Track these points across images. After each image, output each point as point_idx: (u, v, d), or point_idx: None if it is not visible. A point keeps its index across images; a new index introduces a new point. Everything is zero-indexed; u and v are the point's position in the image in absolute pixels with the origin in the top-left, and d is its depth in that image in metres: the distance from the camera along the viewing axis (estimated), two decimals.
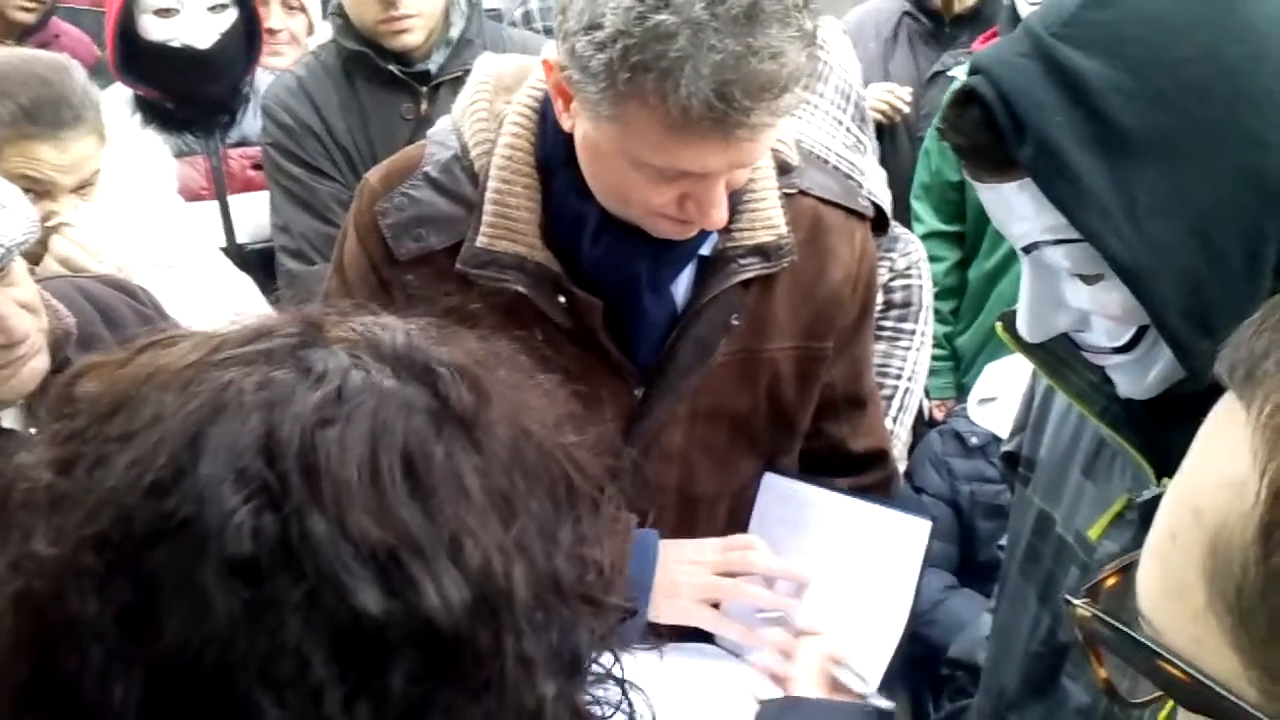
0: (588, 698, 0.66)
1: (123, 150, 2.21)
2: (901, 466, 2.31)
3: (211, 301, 2.24)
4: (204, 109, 2.66)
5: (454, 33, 2.53)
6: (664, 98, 1.19)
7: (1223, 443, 0.52)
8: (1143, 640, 0.54)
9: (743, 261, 1.47)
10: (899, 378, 2.32)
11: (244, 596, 0.56)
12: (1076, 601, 0.59)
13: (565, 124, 1.36)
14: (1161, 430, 1.13)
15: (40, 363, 1.47)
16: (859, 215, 1.59)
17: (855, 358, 1.67)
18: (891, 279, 2.32)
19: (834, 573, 1.54)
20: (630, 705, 0.68)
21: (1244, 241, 1.00)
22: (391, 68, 2.48)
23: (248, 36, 2.67)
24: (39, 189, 1.90)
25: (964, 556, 2.63)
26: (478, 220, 1.43)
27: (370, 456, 0.59)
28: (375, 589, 0.57)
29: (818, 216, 1.54)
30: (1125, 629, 0.56)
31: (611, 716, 0.67)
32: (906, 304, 2.33)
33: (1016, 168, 1.05)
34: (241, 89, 2.70)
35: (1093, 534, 1.21)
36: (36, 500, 0.60)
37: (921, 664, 2.38)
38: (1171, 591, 0.53)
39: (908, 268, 2.34)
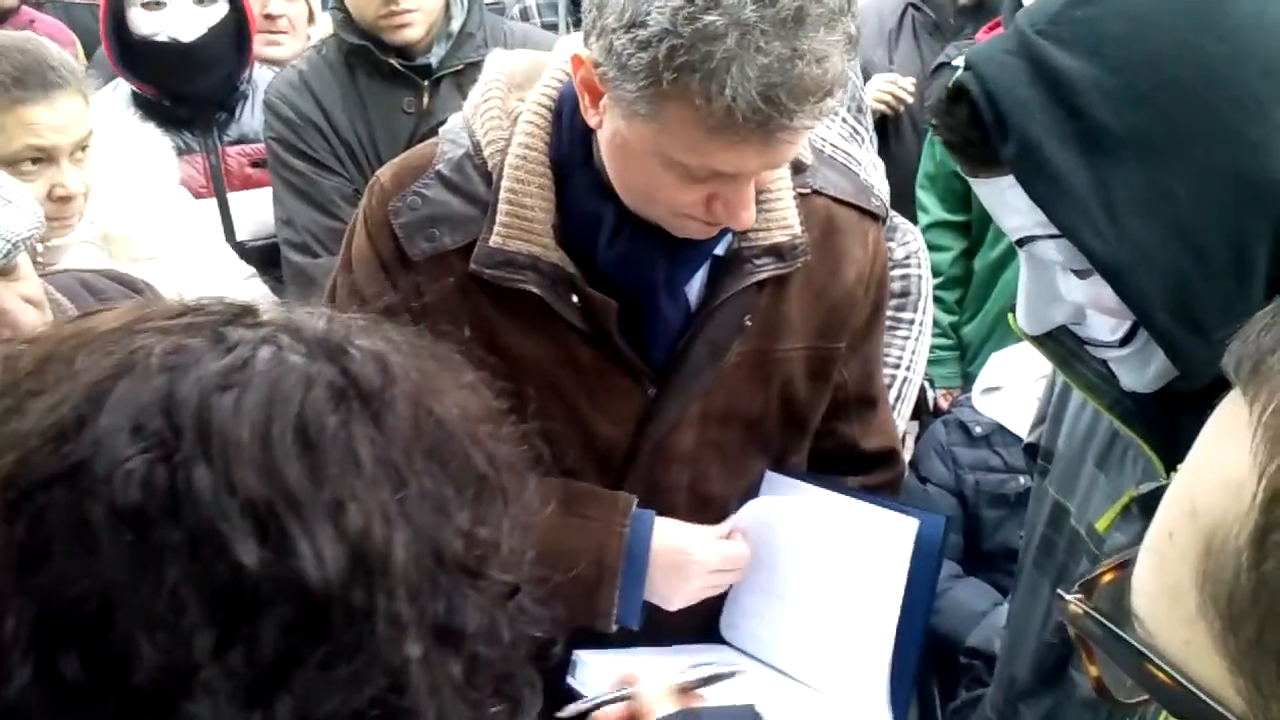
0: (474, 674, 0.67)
1: (126, 145, 2.22)
2: (905, 456, 2.33)
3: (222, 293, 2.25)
4: (197, 105, 2.65)
5: (454, 26, 2.54)
6: (709, 99, 1.17)
7: (1224, 441, 0.51)
8: (1131, 641, 0.53)
9: (758, 262, 1.46)
10: (896, 367, 2.31)
11: (129, 540, 0.59)
12: (1069, 597, 0.58)
13: (591, 121, 1.34)
14: (1171, 423, 1.13)
15: None
16: (872, 215, 1.59)
17: (867, 358, 1.67)
18: (889, 269, 2.31)
19: (820, 571, 1.54)
20: (515, 690, 0.70)
21: (1227, 239, 1.00)
22: (392, 61, 2.48)
23: (238, 32, 2.66)
24: (43, 155, 1.93)
25: (969, 545, 2.62)
26: (491, 220, 1.42)
27: (264, 420, 0.62)
28: (252, 542, 0.60)
29: (831, 216, 1.54)
30: (1114, 629, 0.54)
31: (490, 698, 0.68)
32: (905, 293, 2.32)
33: (1005, 164, 1.05)
34: (237, 85, 2.69)
35: (1100, 526, 1.21)
36: None
37: (927, 651, 2.38)
38: (1166, 592, 0.52)
39: (906, 257, 2.33)
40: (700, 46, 1.16)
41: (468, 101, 1.53)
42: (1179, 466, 1.04)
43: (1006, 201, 1.08)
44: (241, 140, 2.67)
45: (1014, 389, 2.59)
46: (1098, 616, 0.56)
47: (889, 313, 2.26)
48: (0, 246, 1.37)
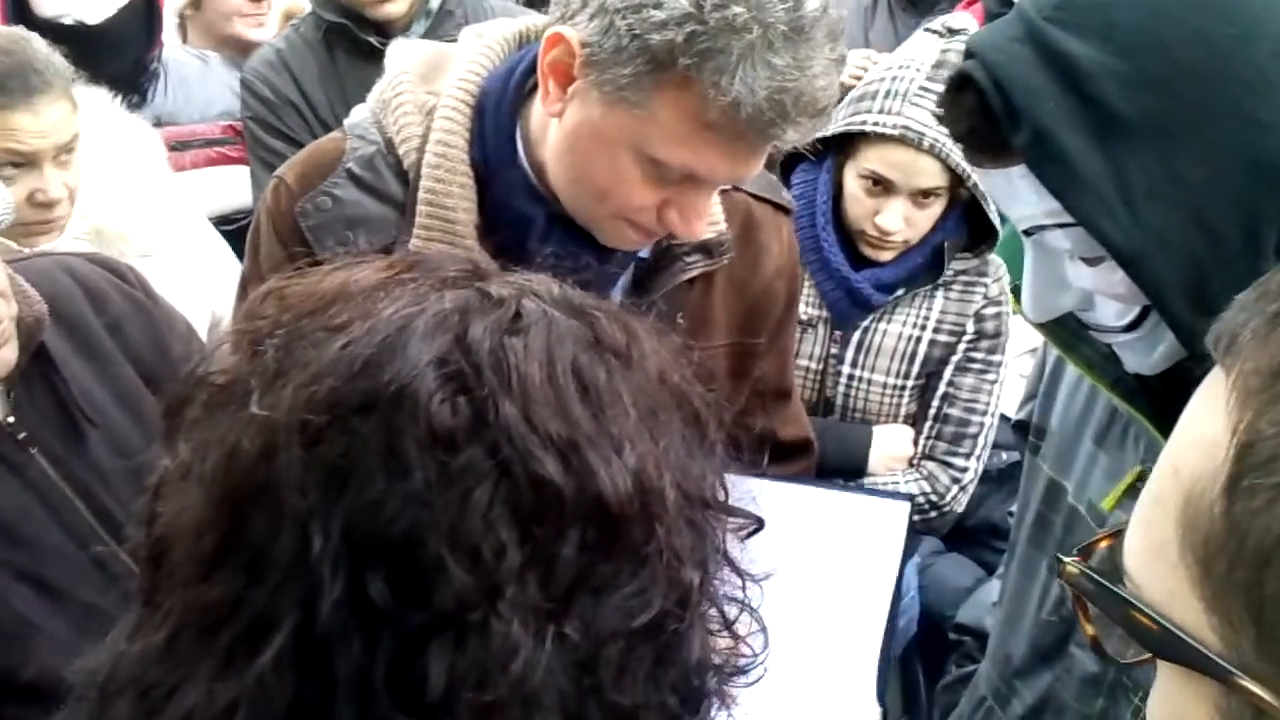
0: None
1: (115, 138, 2.19)
2: (964, 499, 2.26)
3: (209, 280, 2.23)
4: (106, 88, 2.58)
5: (434, 3, 2.53)
6: (719, 91, 1.15)
7: (1203, 409, 0.55)
8: (1119, 593, 0.58)
9: (688, 259, 1.45)
10: (985, 413, 2.24)
11: (441, 462, 0.64)
12: (1068, 560, 0.63)
13: (551, 107, 1.28)
14: (1173, 401, 1.12)
15: (8, 353, 1.42)
16: (785, 210, 1.59)
17: (782, 350, 1.68)
18: (984, 306, 2.23)
19: (814, 565, 1.53)
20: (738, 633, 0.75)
21: (1241, 223, 1.00)
22: (371, 40, 2.46)
23: (148, 12, 2.61)
24: (23, 160, 1.89)
25: None
26: (410, 221, 1.36)
27: (549, 363, 0.68)
28: (559, 466, 0.65)
29: (749, 212, 1.53)
30: (1105, 582, 0.59)
31: (736, 621, 0.75)
32: (997, 334, 2.24)
33: (1014, 153, 1.04)
34: (148, 66, 2.63)
35: (1106, 505, 1.22)
36: (262, 370, 0.69)
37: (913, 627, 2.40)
38: (1152, 549, 0.56)
39: (1000, 294, 2.24)
40: (722, 36, 1.14)
41: (372, 95, 1.46)
42: None
43: (1015, 191, 1.08)
44: (157, 123, 2.58)
45: (1005, 373, 2.60)
46: (1090, 573, 0.61)
47: (981, 356, 2.21)
48: None
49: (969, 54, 1.08)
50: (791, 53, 1.15)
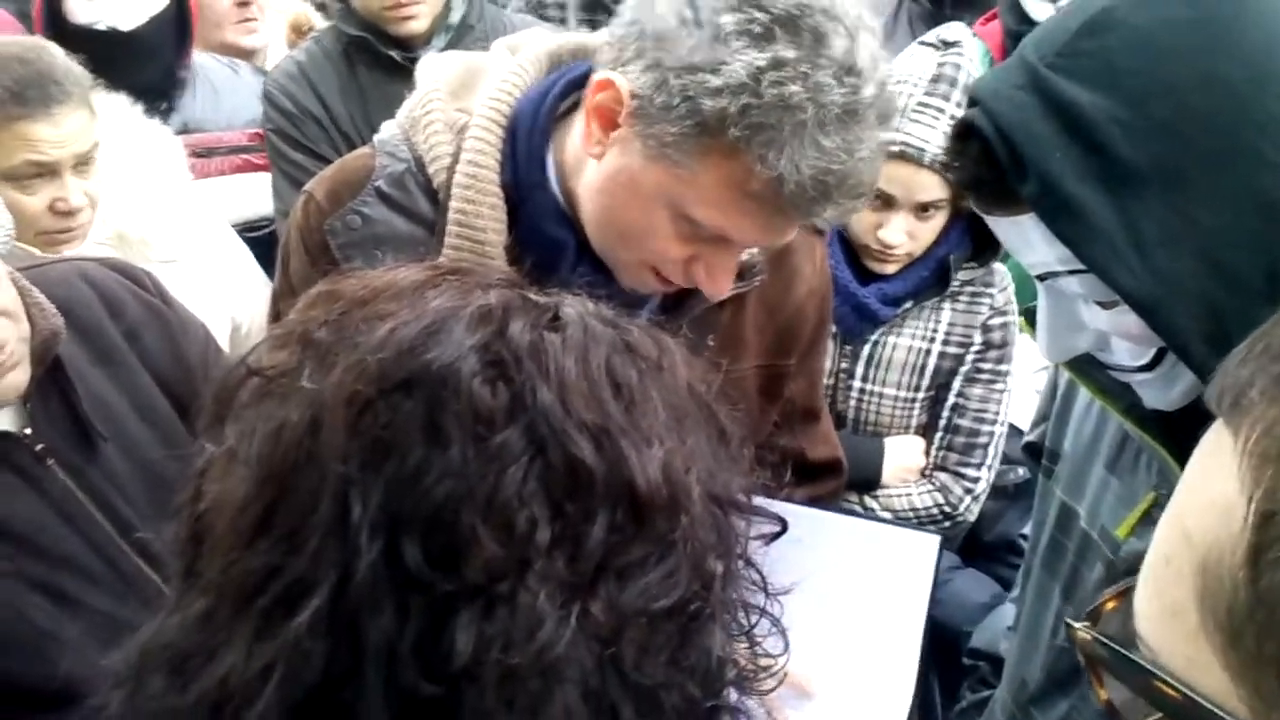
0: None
1: (136, 144, 2.20)
2: (976, 508, 2.28)
3: (232, 286, 2.23)
4: (138, 96, 2.53)
5: (455, 18, 2.54)
6: (765, 164, 1.15)
7: (1212, 469, 0.54)
8: (1138, 661, 0.56)
9: None
10: (995, 423, 2.24)
11: (479, 437, 0.67)
12: (1077, 625, 0.62)
13: (592, 150, 1.28)
14: (1188, 427, 1.11)
15: (19, 376, 1.40)
16: (818, 231, 1.58)
17: (812, 371, 1.68)
18: (990, 317, 2.24)
19: (843, 594, 1.53)
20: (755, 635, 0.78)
21: (1259, 263, 0.99)
22: (392, 54, 2.48)
23: (179, 20, 2.63)
24: (43, 170, 1.90)
25: (969, 537, 2.63)
26: (440, 240, 1.36)
27: (584, 358, 0.71)
28: (592, 449, 0.68)
29: None
30: (1122, 650, 0.58)
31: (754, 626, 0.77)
32: (1004, 344, 2.24)
33: (1022, 201, 1.04)
34: (178, 74, 2.65)
35: (1121, 533, 1.21)
36: (314, 350, 0.72)
37: (927, 647, 2.39)
38: (1166, 613, 0.55)
39: (1006, 304, 2.24)
40: (776, 112, 1.13)
41: (403, 111, 1.46)
42: None
43: (1026, 239, 1.07)
44: (184, 130, 2.59)
45: (1012, 381, 2.60)
46: (1105, 640, 0.59)
47: (989, 366, 2.21)
48: None
49: (972, 101, 1.07)
50: (842, 135, 1.15)
